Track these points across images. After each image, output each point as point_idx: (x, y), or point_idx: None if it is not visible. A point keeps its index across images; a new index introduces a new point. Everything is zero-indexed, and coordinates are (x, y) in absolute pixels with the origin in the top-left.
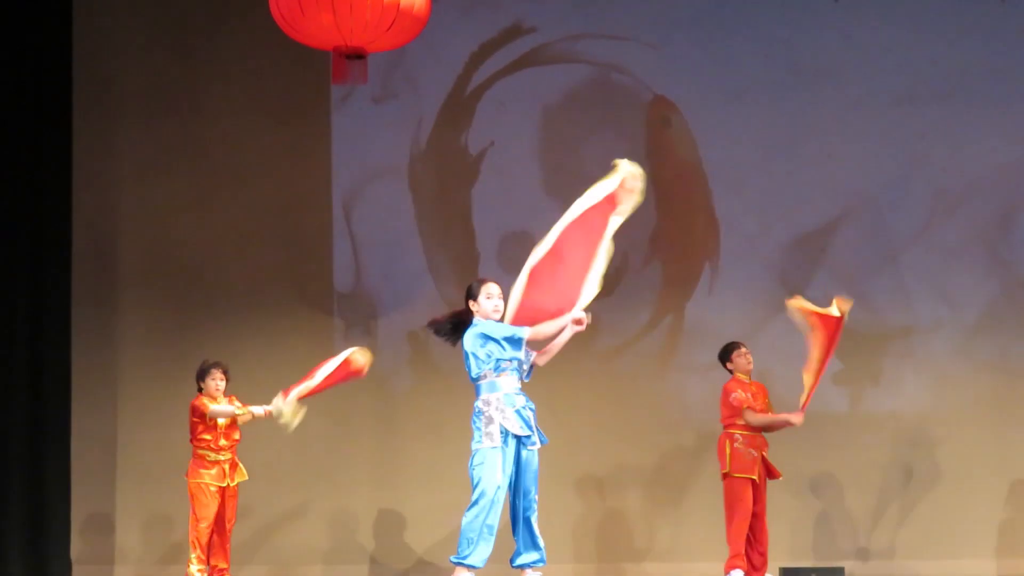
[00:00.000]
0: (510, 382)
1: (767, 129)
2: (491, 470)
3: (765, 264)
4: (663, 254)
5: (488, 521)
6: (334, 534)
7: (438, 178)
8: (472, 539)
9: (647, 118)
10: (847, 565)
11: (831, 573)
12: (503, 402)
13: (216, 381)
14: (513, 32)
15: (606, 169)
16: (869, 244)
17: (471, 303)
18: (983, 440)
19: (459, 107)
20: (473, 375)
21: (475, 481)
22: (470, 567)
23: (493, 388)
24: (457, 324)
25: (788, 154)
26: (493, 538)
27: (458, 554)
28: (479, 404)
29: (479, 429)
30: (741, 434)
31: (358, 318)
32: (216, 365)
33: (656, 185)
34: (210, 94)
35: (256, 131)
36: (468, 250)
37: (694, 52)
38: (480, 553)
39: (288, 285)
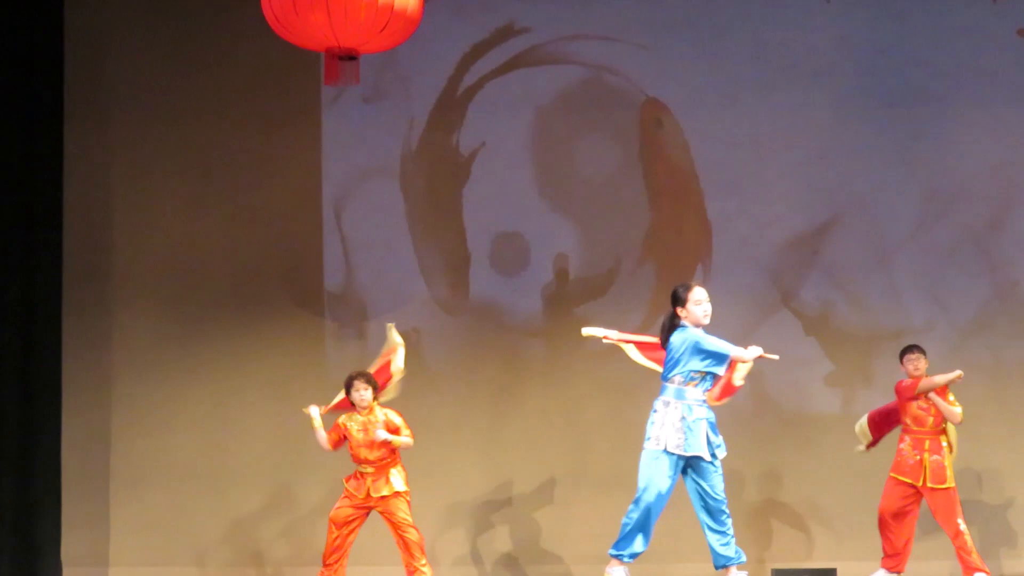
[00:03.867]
0: (695, 392)
1: (759, 130)
2: (655, 473)
3: (758, 265)
4: (656, 255)
5: (643, 520)
6: (322, 534)
7: (429, 179)
8: (627, 534)
9: (639, 119)
10: (840, 566)
11: (824, 574)
12: (681, 411)
13: (359, 392)
14: (505, 33)
15: (598, 170)
16: (861, 245)
17: (679, 309)
18: (975, 442)
19: (451, 108)
20: (666, 375)
21: (639, 480)
22: (621, 559)
23: (680, 395)
24: (672, 327)
25: (780, 155)
26: (648, 538)
27: (615, 546)
28: (659, 404)
29: (650, 431)
30: (908, 436)
31: (349, 319)
32: (358, 376)
33: (648, 187)
34: (201, 96)
35: (246, 132)
36: (459, 251)
37: (686, 53)
38: (634, 547)
39: (279, 286)
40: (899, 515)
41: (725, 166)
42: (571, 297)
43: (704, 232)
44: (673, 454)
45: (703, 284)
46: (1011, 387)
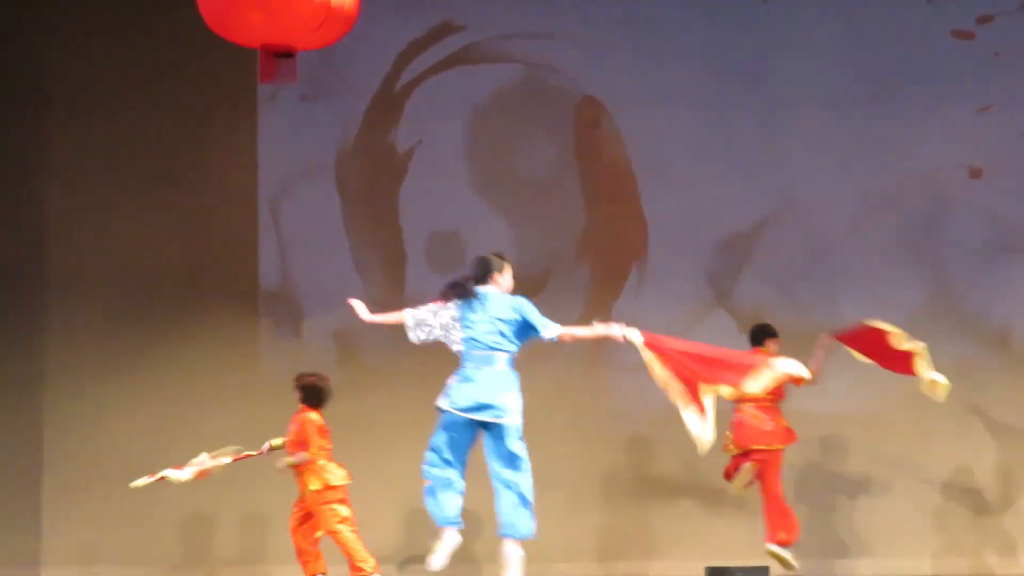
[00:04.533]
0: None
1: (696, 130)
2: None
3: (693, 265)
4: (592, 254)
5: None
6: (258, 536)
7: (366, 177)
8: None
9: (576, 118)
10: (772, 565)
11: (756, 572)
12: None
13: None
14: (443, 30)
15: (535, 169)
16: (797, 245)
17: (496, 275)
18: (908, 440)
19: (388, 106)
20: (515, 347)
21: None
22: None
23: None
24: (468, 288)
25: (717, 155)
26: None
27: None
28: (516, 378)
29: (518, 405)
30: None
31: (284, 317)
32: (296, 377)
33: (584, 186)
34: (137, 93)
35: (182, 130)
36: (396, 249)
37: (624, 52)
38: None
39: (215, 285)
40: None
41: (662, 165)
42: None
43: (640, 231)
44: None
45: (644, 284)
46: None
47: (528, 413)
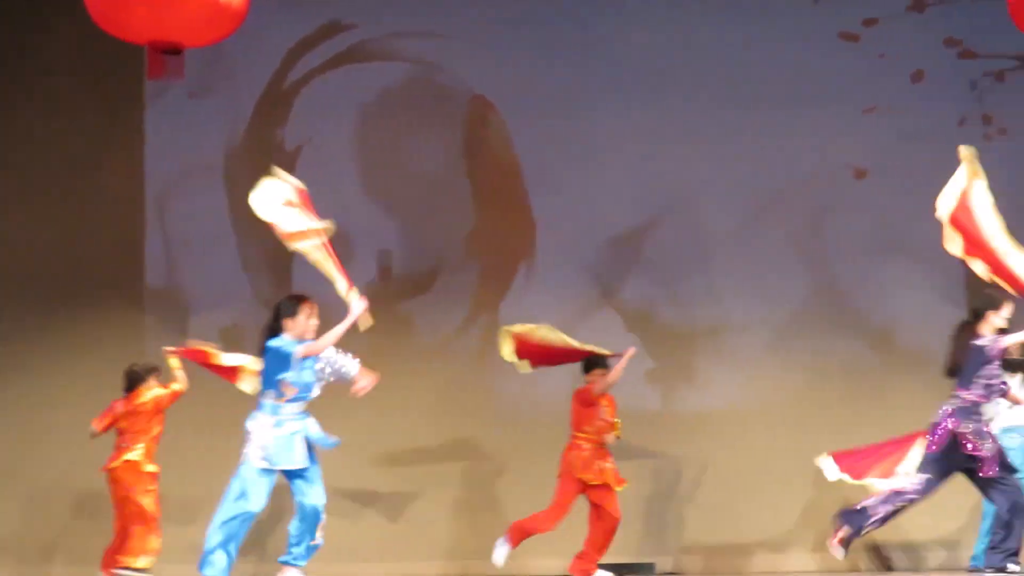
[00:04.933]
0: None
1: (584, 128)
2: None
3: (580, 263)
4: (479, 253)
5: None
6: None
7: (254, 175)
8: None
9: (465, 117)
10: (658, 561)
11: (642, 569)
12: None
13: None
14: (332, 28)
15: (423, 167)
16: (683, 244)
17: (286, 321)
18: (792, 438)
19: (276, 103)
20: (262, 389)
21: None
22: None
23: (276, 411)
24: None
25: (605, 154)
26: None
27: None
28: (254, 420)
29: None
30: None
31: (171, 315)
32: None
33: (473, 184)
34: (23, 89)
35: (68, 126)
36: (283, 248)
37: (514, 51)
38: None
39: (100, 283)
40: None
41: (550, 164)
42: (394, 294)
43: (528, 230)
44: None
45: (530, 282)
46: (828, 384)
47: (415, 413)
